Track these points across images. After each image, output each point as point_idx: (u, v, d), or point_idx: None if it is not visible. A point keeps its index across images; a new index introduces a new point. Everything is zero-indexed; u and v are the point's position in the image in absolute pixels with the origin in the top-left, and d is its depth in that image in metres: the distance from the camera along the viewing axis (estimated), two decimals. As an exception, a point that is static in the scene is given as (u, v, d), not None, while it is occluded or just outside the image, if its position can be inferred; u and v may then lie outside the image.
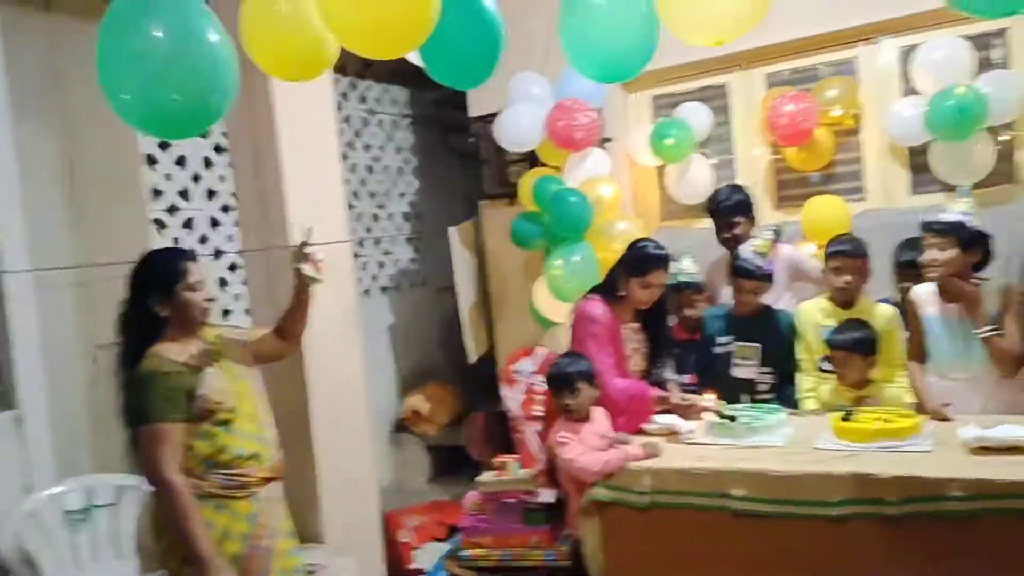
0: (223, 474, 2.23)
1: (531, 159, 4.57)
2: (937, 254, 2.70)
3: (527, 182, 4.35)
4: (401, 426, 5.29)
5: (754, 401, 3.00)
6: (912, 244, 3.21)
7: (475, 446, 4.47)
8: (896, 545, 2.19)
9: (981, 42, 3.71)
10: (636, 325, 3.14)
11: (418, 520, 4.35)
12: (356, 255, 5.24)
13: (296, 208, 3.21)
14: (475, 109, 4.97)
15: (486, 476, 2.90)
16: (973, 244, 2.69)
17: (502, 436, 3.62)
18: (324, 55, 2.00)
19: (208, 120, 1.94)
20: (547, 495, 2.87)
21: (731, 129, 4.47)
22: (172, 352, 2.24)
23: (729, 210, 3.60)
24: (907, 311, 2.90)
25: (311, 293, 2.48)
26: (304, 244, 2.42)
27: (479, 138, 4.86)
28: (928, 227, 2.73)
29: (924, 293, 2.87)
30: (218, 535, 2.19)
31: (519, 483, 2.84)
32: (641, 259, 3.03)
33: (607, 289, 3.10)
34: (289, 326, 2.53)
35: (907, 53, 3.84)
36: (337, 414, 3.30)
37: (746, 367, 3.13)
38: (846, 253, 3.05)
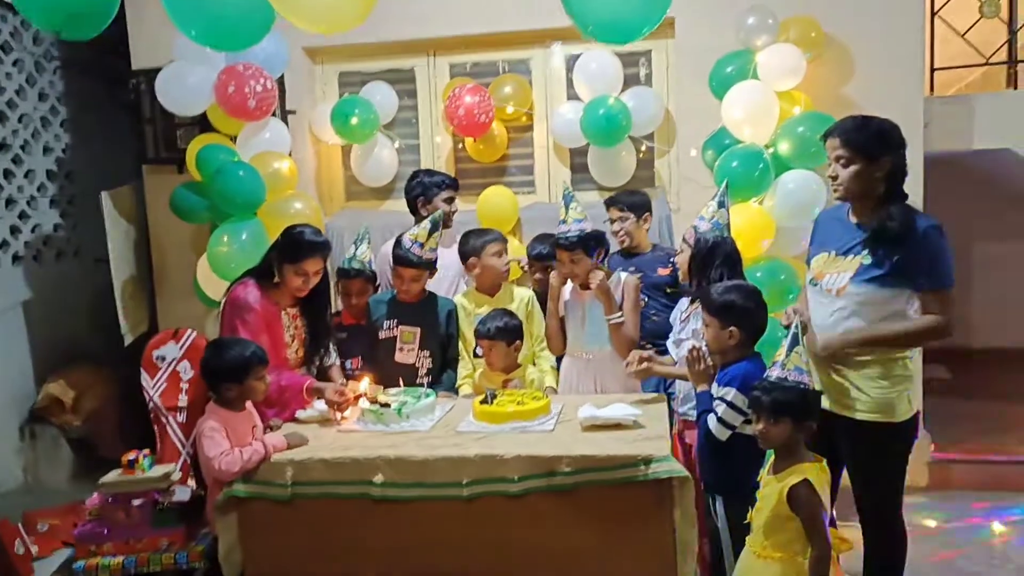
0: None
1: (203, 123, 4.19)
2: (570, 267, 3.01)
3: (194, 149, 3.97)
4: (37, 416, 4.58)
5: (414, 385, 3.04)
6: (542, 239, 3.54)
7: (106, 442, 3.98)
8: (517, 518, 2.35)
9: (629, 59, 4.15)
10: (295, 311, 3.02)
11: (48, 524, 3.79)
12: (-22, 217, 4.41)
13: None
14: (138, 60, 4.43)
15: (111, 476, 2.57)
16: (596, 246, 3.00)
17: (140, 429, 3.26)
18: None
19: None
20: (182, 492, 2.63)
21: (417, 114, 4.51)
22: None
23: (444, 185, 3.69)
24: (547, 298, 3.14)
25: None
26: None
27: (140, 94, 4.34)
28: (558, 244, 3.02)
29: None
30: None
31: (150, 482, 2.57)
32: (295, 245, 2.90)
33: (262, 274, 2.93)
34: None
35: (573, 61, 4.17)
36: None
37: (408, 351, 3.17)
38: (504, 239, 3.27)
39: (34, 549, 3.63)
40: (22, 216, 4.67)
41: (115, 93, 4.99)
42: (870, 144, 2.47)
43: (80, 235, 5.04)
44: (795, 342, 2.21)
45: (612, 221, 3.53)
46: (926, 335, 2.47)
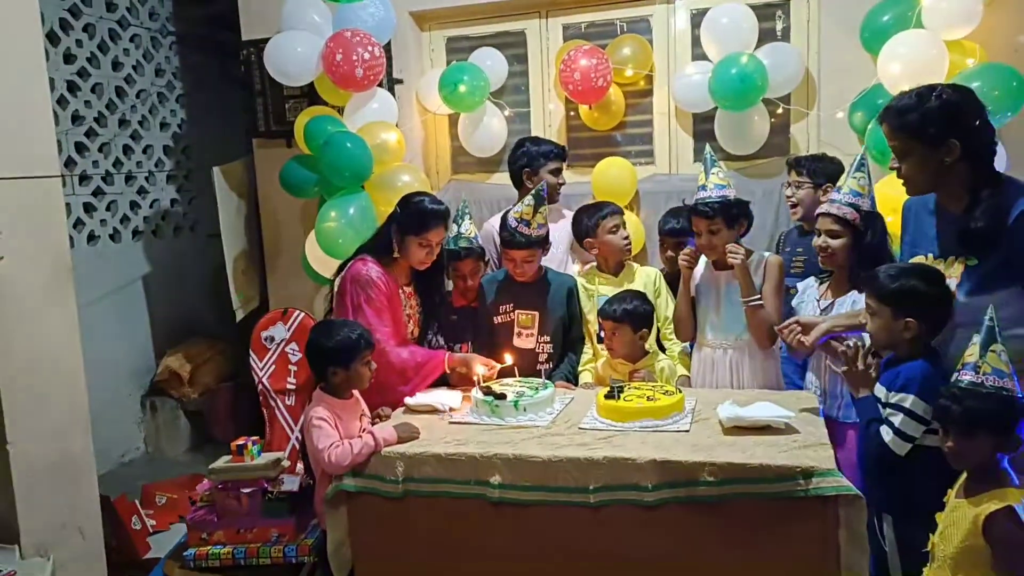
0: None
1: (311, 95, 4.09)
2: (707, 237, 2.67)
3: (302, 121, 3.86)
4: (157, 388, 4.68)
5: (535, 373, 2.81)
6: (676, 213, 3.19)
7: (219, 424, 3.96)
8: (650, 529, 2.09)
9: (764, 13, 3.72)
10: (409, 289, 2.85)
11: (167, 497, 3.84)
12: (100, 192, 4.49)
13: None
14: (248, 31, 4.36)
15: (220, 462, 2.49)
16: (738, 216, 2.66)
17: (251, 411, 3.20)
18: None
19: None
20: (291, 482, 2.52)
21: (528, 80, 4.24)
22: None
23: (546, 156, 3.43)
24: (682, 278, 2.82)
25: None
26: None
27: (251, 66, 4.27)
28: (695, 210, 2.68)
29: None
30: None
31: (259, 470, 2.47)
32: (419, 215, 2.73)
33: (380, 248, 2.77)
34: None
35: (699, 17, 3.78)
36: (43, 388, 2.71)
37: (527, 336, 2.94)
38: (620, 211, 3.02)
39: (151, 524, 3.68)
40: (141, 192, 4.75)
41: (228, 67, 4.98)
42: (927, 125, 2.01)
43: (196, 210, 5.10)
44: (991, 337, 1.83)
45: (788, 185, 3.11)
46: None
